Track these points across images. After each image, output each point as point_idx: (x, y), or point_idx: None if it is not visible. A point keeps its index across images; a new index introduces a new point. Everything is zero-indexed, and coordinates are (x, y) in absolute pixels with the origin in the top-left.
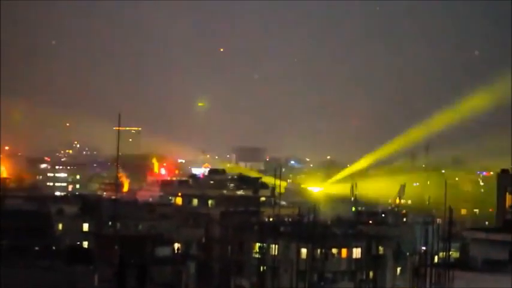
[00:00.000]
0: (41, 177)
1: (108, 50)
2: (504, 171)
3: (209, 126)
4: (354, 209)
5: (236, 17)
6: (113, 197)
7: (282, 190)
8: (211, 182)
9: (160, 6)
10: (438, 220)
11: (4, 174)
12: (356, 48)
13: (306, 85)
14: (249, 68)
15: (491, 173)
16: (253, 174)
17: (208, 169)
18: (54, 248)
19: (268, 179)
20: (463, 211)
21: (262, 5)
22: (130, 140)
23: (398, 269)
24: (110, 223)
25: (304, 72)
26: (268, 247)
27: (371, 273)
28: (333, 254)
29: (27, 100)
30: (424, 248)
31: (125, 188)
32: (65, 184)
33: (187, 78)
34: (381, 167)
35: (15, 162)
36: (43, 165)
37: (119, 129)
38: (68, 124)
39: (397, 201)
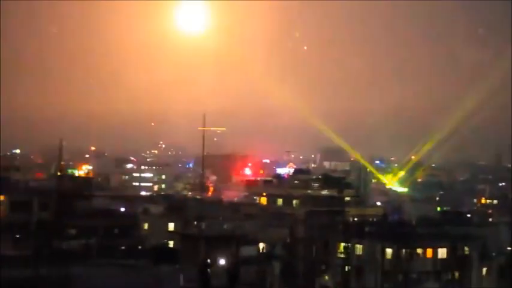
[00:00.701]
0: (126, 177)
1: (193, 49)
2: None
3: (294, 126)
4: (439, 208)
5: (321, 17)
6: (198, 197)
7: (367, 190)
8: (296, 181)
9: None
10: None
11: (91, 174)
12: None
13: (393, 83)
14: (331, 67)
15: None
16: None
17: (293, 169)
18: (140, 247)
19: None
20: None
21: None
22: (215, 139)
23: (484, 270)
24: (195, 223)
25: (392, 71)
26: (353, 247)
27: (456, 274)
28: (418, 254)
29: (112, 100)
30: (510, 248)
31: (210, 188)
32: (150, 184)
33: (271, 77)
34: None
35: (101, 162)
36: (129, 165)
37: (203, 130)
38: (152, 124)
39: (483, 200)
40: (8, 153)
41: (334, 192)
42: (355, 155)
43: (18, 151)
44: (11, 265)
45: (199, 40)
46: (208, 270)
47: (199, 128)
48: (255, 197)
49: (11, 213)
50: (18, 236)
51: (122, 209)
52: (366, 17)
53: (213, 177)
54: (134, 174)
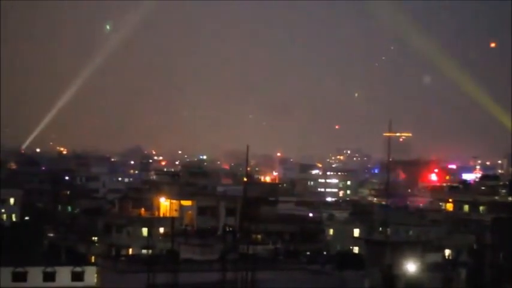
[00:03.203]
0: (312, 182)
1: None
2: None
3: (481, 131)
4: None
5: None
6: (383, 203)
7: None
8: (483, 187)
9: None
10: None
11: (276, 180)
12: None
13: None
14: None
15: None
16: None
17: (480, 175)
18: (325, 252)
19: None
20: None
21: None
22: (401, 145)
23: None
24: (380, 229)
25: None
26: None
27: None
28: None
29: (298, 107)
30: None
31: (395, 194)
32: (335, 190)
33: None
34: None
35: (286, 168)
36: (314, 171)
37: (389, 135)
38: (337, 127)
39: None
40: (196, 159)
41: None
42: None
43: (205, 157)
44: (199, 269)
45: None
46: (393, 277)
47: (385, 134)
48: (440, 203)
49: (198, 217)
50: (205, 240)
51: (308, 215)
52: None
53: (399, 183)
54: (319, 180)
